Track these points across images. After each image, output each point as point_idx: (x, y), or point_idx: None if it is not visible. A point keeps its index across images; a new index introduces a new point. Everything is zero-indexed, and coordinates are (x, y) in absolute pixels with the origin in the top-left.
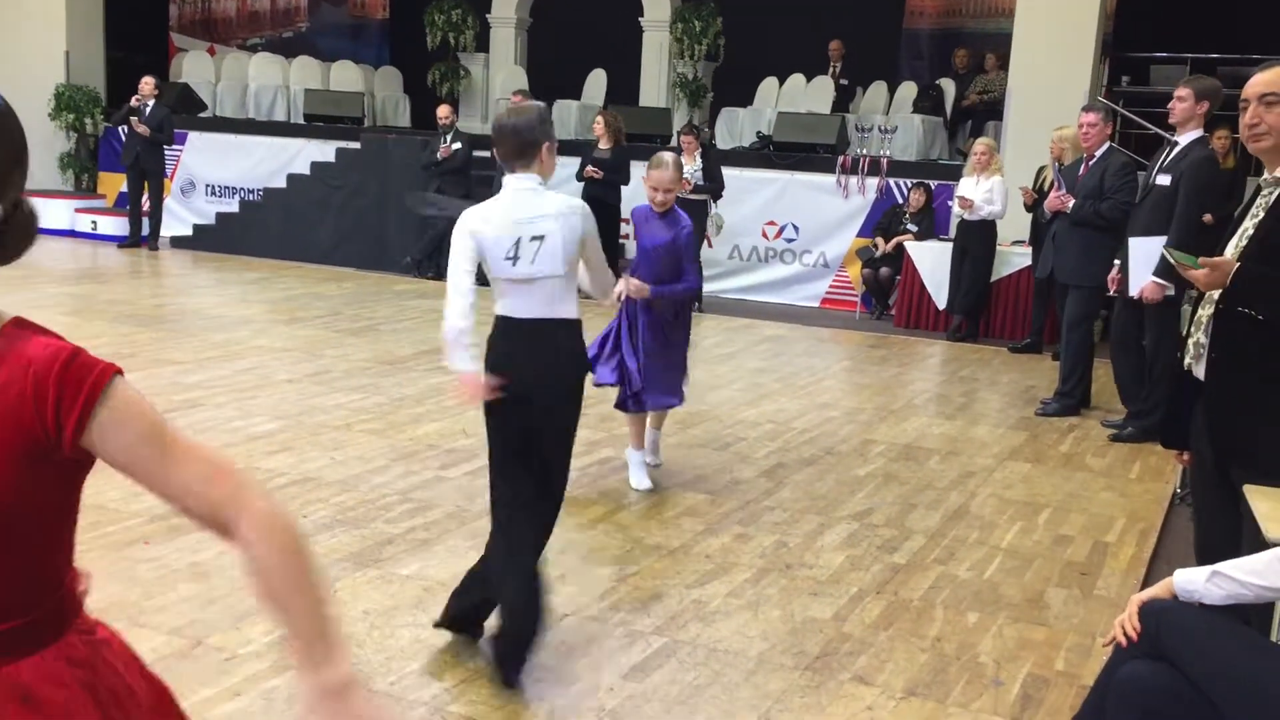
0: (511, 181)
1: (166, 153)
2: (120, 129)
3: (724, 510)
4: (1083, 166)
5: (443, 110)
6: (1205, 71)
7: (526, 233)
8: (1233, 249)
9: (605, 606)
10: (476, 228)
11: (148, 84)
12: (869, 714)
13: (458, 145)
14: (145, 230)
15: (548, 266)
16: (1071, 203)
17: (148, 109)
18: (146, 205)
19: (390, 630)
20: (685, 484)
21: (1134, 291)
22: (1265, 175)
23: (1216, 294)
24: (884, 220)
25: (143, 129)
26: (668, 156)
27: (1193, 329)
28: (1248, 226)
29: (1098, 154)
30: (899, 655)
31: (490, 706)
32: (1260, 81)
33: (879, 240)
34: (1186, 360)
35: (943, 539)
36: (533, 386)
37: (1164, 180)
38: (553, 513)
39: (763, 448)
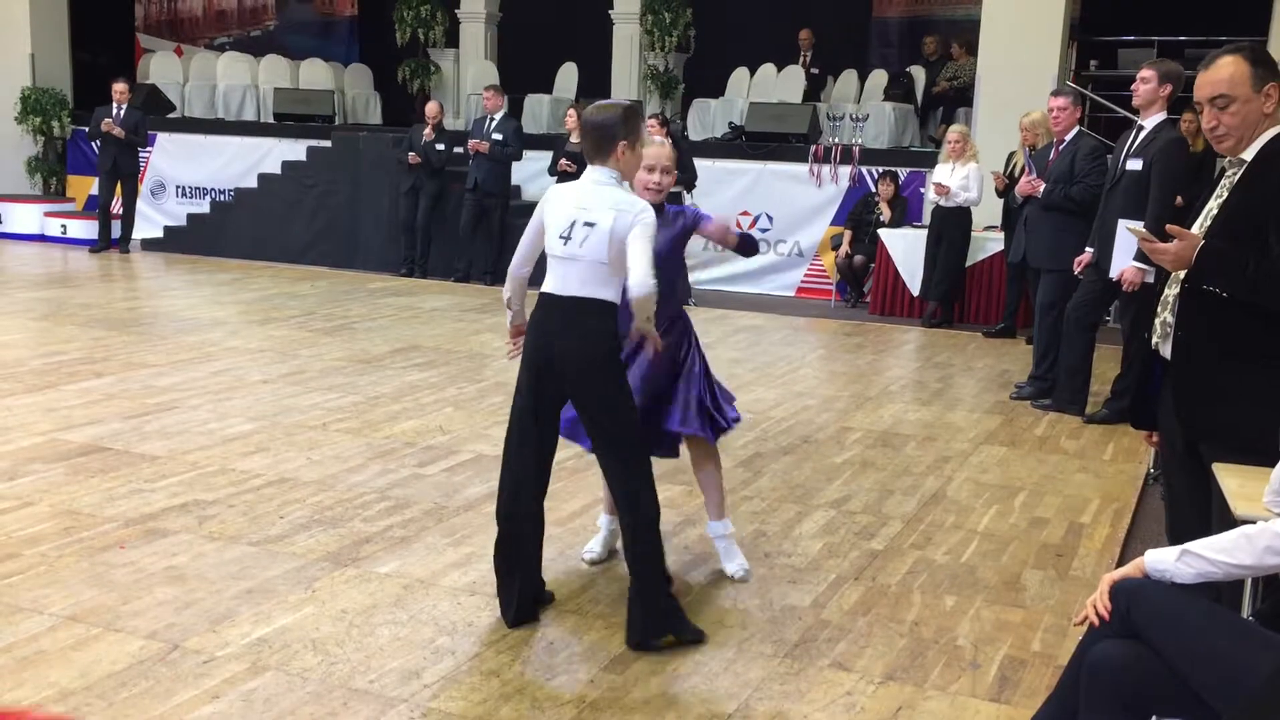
0: (590, 173)
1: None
2: (94, 144)
3: (702, 501)
4: (1053, 151)
5: (432, 108)
6: (1172, 54)
7: (582, 218)
8: (1198, 229)
9: (585, 599)
10: (548, 198)
11: (121, 91)
12: (848, 699)
13: (440, 146)
14: (116, 234)
15: (590, 252)
16: (1042, 187)
17: (121, 113)
18: (118, 208)
19: (369, 629)
20: (663, 475)
21: (1114, 275)
22: (1229, 157)
23: (1183, 273)
24: (856, 209)
25: (118, 131)
26: (656, 135)
27: (1159, 308)
28: (1212, 206)
29: (1067, 138)
30: (877, 640)
31: (470, 703)
32: (1206, 83)
33: (845, 236)
34: (1154, 340)
35: (920, 524)
36: (558, 358)
37: (1135, 165)
38: (629, 464)
39: (740, 438)
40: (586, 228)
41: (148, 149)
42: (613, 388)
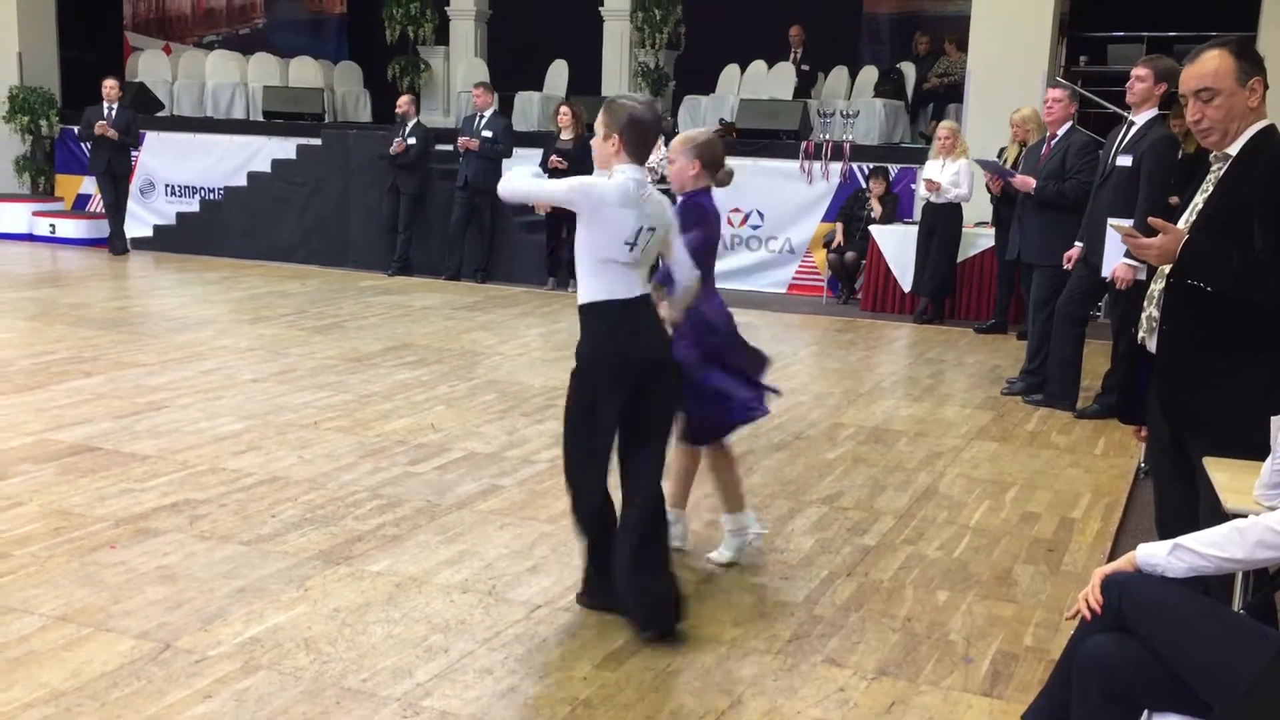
0: (635, 173)
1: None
2: (85, 145)
3: (694, 497)
4: (1045, 146)
5: (401, 101)
6: (1162, 50)
7: (646, 224)
8: (1184, 223)
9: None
10: (605, 189)
11: (112, 87)
12: (841, 695)
13: (412, 140)
14: (104, 234)
15: (650, 257)
16: (1034, 184)
17: (113, 112)
18: (100, 207)
19: (362, 627)
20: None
21: (1106, 273)
22: (1215, 152)
23: (1168, 268)
24: (847, 205)
25: (111, 133)
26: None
27: (1145, 303)
28: (1198, 201)
29: (1060, 133)
30: (870, 636)
31: (463, 700)
32: (1192, 76)
33: (838, 228)
34: (1140, 334)
35: (912, 519)
36: (652, 359)
37: (1125, 161)
38: (654, 492)
39: (732, 434)
40: (649, 232)
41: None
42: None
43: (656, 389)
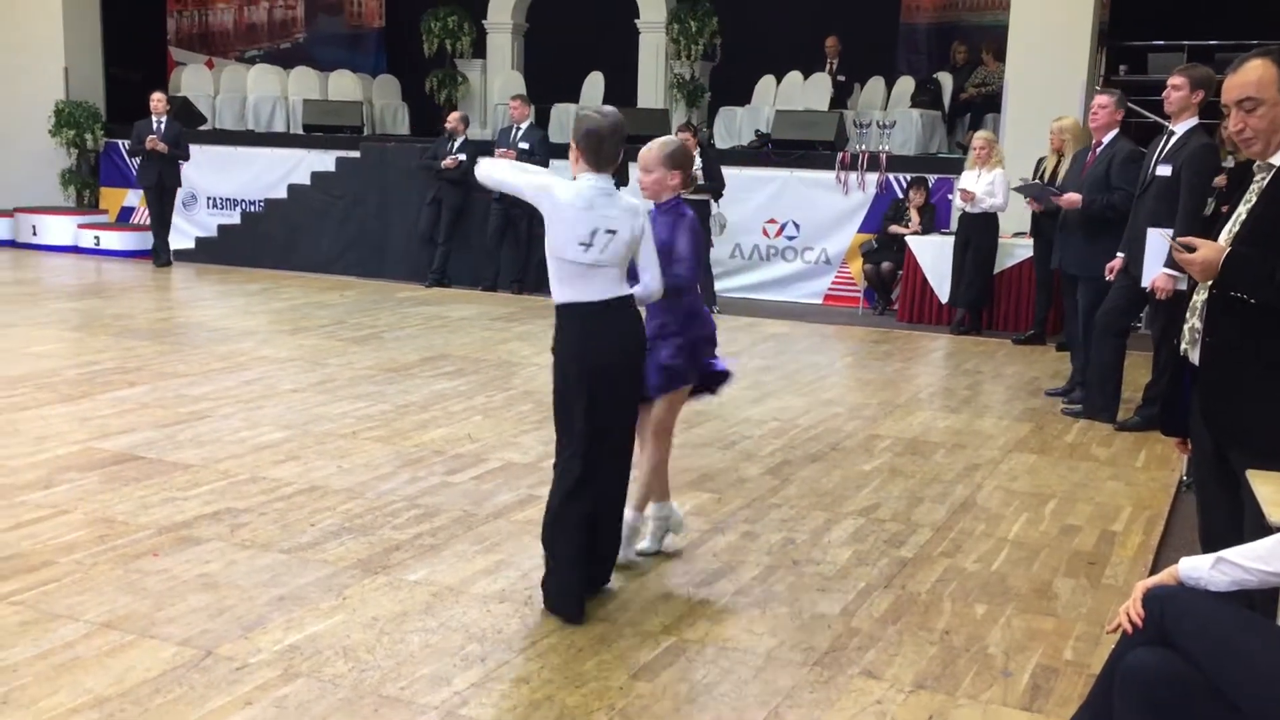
0: (595, 180)
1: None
2: (133, 161)
3: (730, 509)
4: (1090, 154)
5: (451, 117)
6: (1202, 58)
7: (603, 225)
8: (1226, 235)
9: (613, 607)
10: (563, 190)
11: (160, 101)
12: (878, 708)
13: (462, 156)
14: (147, 245)
15: (611, 258)
16: (1079, 199)
17: (162, 126)
18: (145, 219)
19: (400, 636)
20: (691, 483)
21: (1146, 283)
22: (1258, 161)
23: (1210, 279)
24: (889, 213)
25: (161, 146)
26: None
27: (1189, 314)
28: (1241, 212)
29: (1105, 140)
30: (907, 649)
31: (500, 709)
32: (1234, 86)
33: (894, 227)
34: (1183, 346)
35: (949, 532)
36: (607, 360)
37: (1164, 170)
38: (626, 465)
39: (768, 445)
40: (609, 234)
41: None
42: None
43: (616, 391)
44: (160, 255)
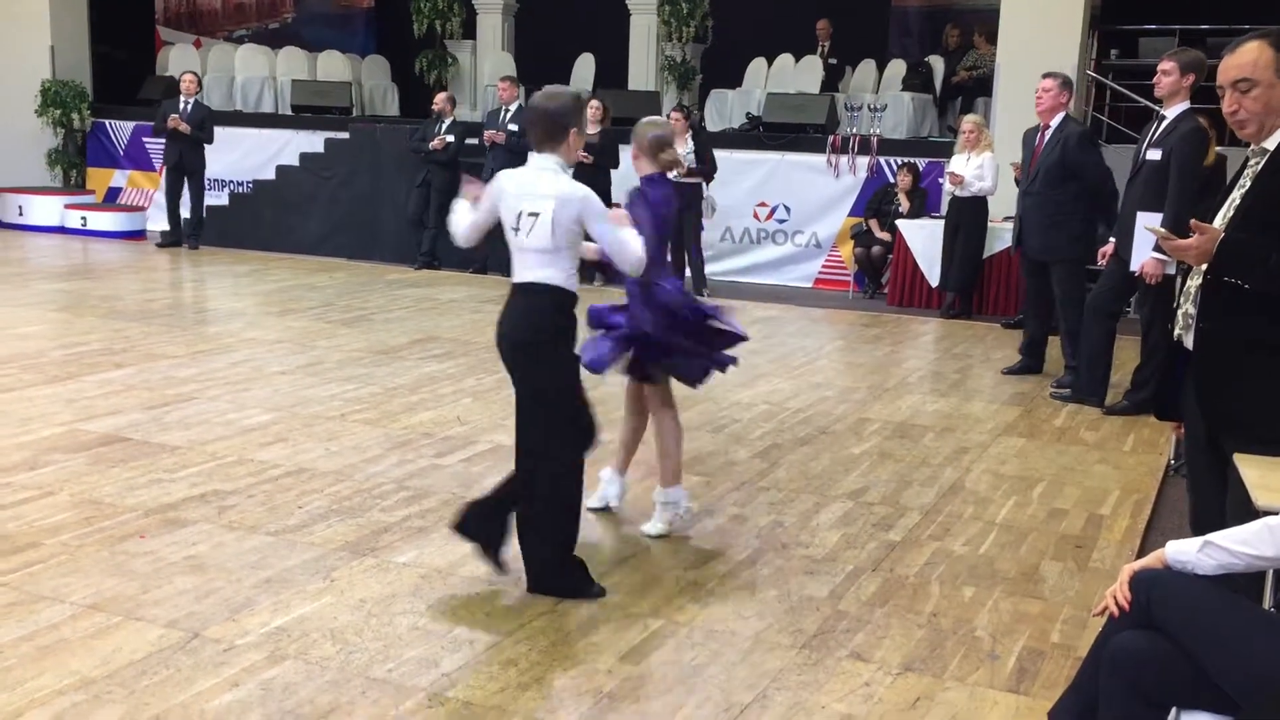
0: (535, 160)
1: (150, 147)
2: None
3: (719, 492)
4: (1039, 136)
5: (439, 99)
6: (1194, 43)
7: (526, 208)
8: (1221, 219)
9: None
10: (504, 183)
11: (190, 81)
12: (866, 690)
13: (450, 138)
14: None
15: (535, 241)
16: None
17: (188, 107)
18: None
19: (388, 618)
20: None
21: (1135, 267)
22: (1252, 146)
23: (1205, 265)
24: (874, 200)
25: (184, 127)
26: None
27: (1182, 299)
28: (1235, 197)
29: (1053, 124)
30: (895, 631)
31: (488, 692)
32: (1231, 67)
33: (872, 223)
34: (1176, 331)
35: (938, 515)
36: (502, 337)
37: (1155, 155)
38: (525, 466)
39: (757, 429)
40: (531, 218)
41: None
42: (549, 383)
43: (520, 370)
44: (168, 235)
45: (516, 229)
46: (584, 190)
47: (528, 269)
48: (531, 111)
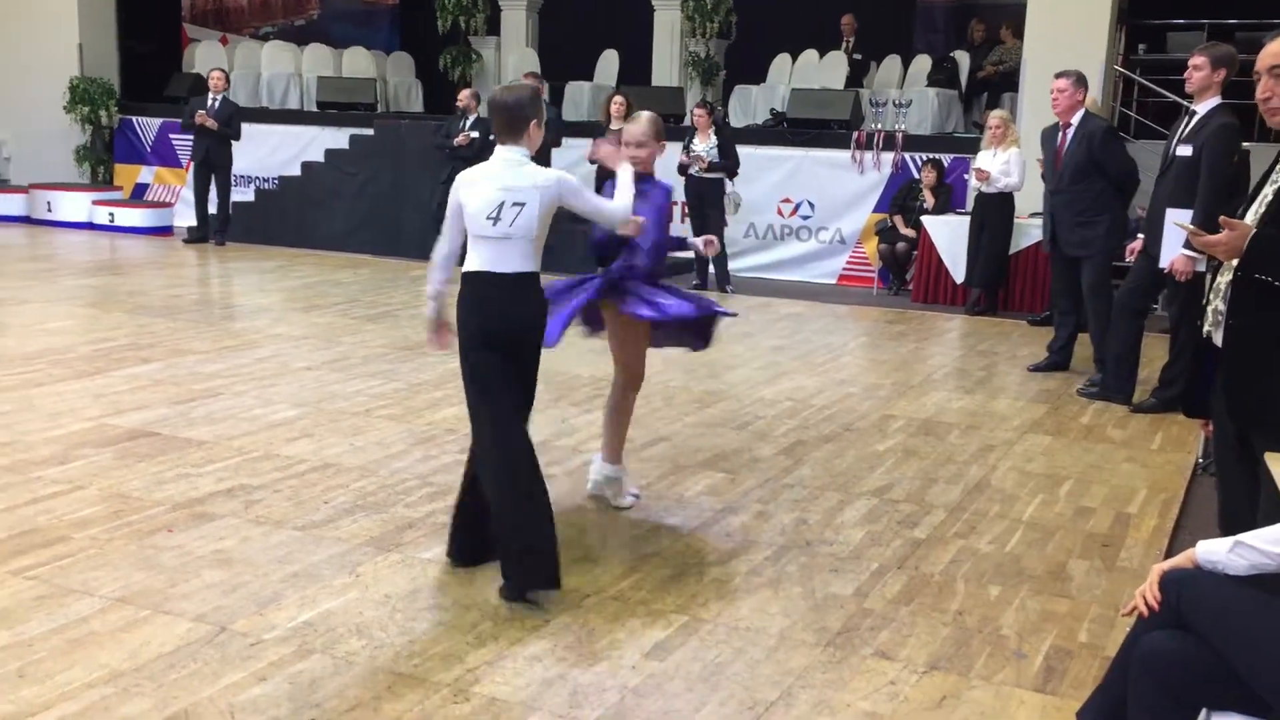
0: (501, 152)
1: (177, 144)
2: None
3: (743, 489)
4: (1060, 135)
5: (463, 95)
6: (1223, 37)
7: (510, 199)
8: (1252, 216)
9: (626, 586)
10: (461, 190)
11: (219, 78)
12: (891, 689)
13: (474, 134)
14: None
15: (520, 230)
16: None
17: (216, 103)
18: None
19: (413, 613)
20: (704, 463)
21: (1164, 264)
22: None
23: (1235, 261)
24: (899, 196)
25: (211, 123)
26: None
27: (1211, 296)
28: (1267, 193)
29: (1074, 122)
30: (921, 630)
31: (513, 687)
32: (1270, 53)
33: (897, 220)
34: (1206, 328)
35: (963, 513)
36: (506, 328)
37: (1185, 151)
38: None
39: (781, 425)
40: (516, 208)
41: (189, 138)
42: (538, 349)
43: (509, 361)
44: (195, 231)
45: (496, 219)
46: (556, 173)
47: (510, 259)
48: (491, 105)
